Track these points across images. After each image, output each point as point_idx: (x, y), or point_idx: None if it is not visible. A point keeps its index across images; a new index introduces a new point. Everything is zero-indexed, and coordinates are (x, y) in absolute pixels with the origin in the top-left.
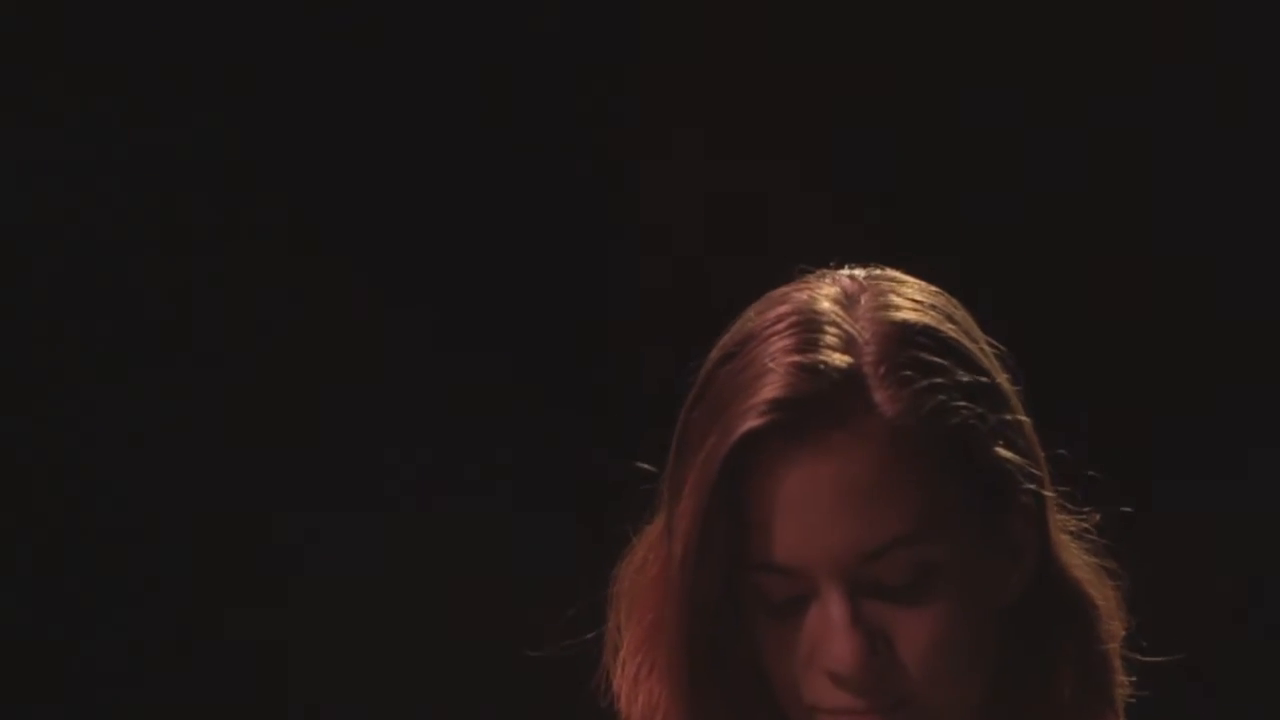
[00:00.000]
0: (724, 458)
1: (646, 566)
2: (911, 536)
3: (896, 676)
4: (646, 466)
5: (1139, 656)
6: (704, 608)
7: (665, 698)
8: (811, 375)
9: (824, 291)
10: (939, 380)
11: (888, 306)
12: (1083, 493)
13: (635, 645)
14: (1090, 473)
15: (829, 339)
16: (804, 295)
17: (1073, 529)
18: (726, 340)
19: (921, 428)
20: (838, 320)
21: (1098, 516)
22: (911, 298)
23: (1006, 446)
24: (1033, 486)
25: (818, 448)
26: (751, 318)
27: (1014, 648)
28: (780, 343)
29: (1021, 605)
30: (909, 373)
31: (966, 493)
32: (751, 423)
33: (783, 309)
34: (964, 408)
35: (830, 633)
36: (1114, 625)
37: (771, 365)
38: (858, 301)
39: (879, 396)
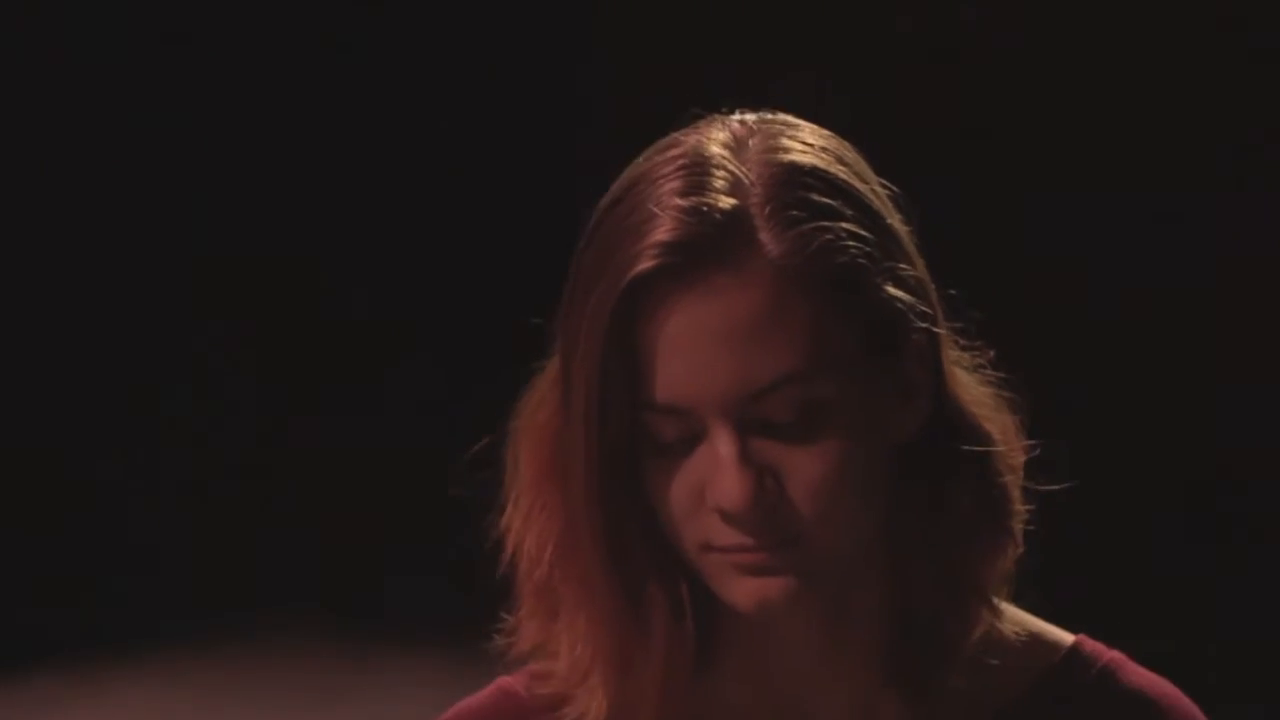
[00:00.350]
0: (615, 303)
1: (542, 406)
2: (798, 374)
3: (786, 514)
4: (537, 320)
5: (1036, 486)
6: (608, 451)
7: (562, 538)
8: (698, 218)
9: (714, 135)
10: (826, 221)
11: (777, 149)
12: (976, 329)
13: (529, 483)
14: (976, 313)
15: (717, 182)
16: (693, 139)
17: (967, 364)
18: (616, 185)
19: (807, 267)
20: (726, 163)
21: (992, 352)
22: (802, 140)
23: (897, 286)
24: (925, 325)
25: (704, 289)
26: (640, 163)
27: (909, 483)
28: (668, 186)
29: (917, 441)
30: (795, 213)
31: (856, 332)
32: (639, 266)
33: (672, 153)
34: (852, 247)
35: (719, 470)
36: (1013, 456)
37: (658, 209)
38: (747, 145)
39: (764, 237)
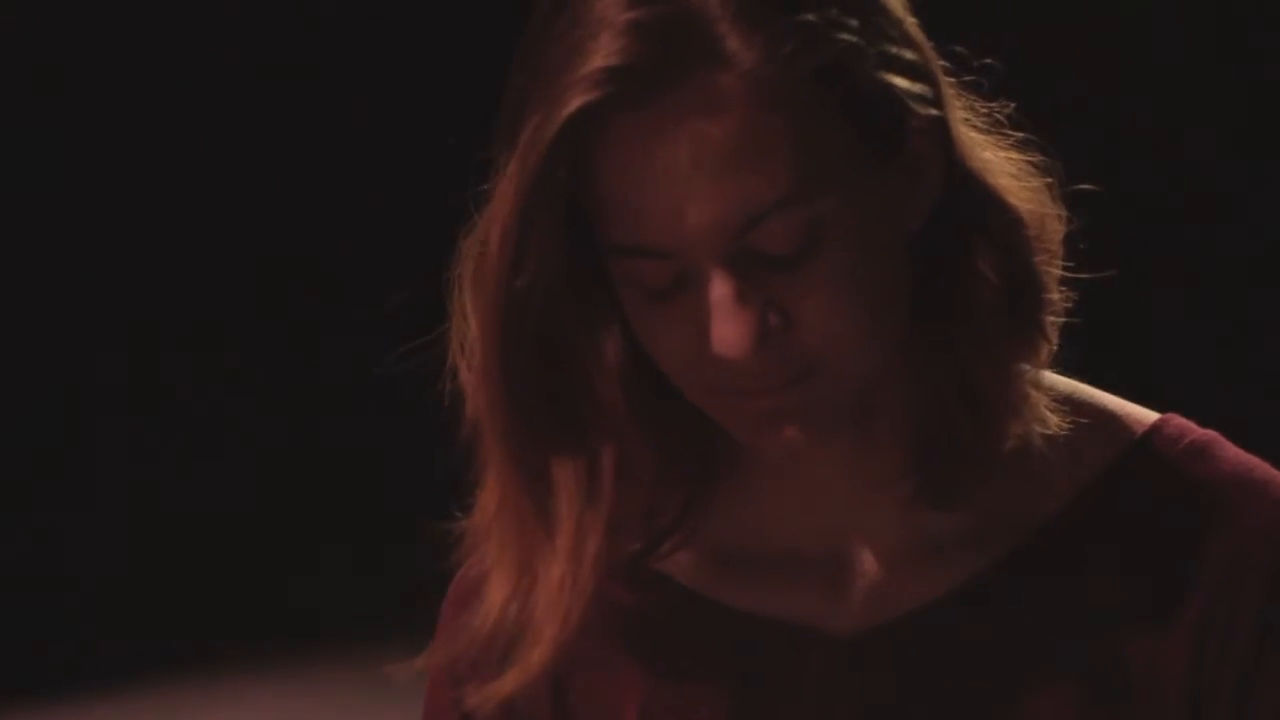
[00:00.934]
0: (551, 140)
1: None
2: (790, 198)
3: (798, 348)
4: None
5: (1073, 274)
6: (525, 307)
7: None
8: (650, 34)
9: None
10: (802, 14)
11: None
12: (993, 82)
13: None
14: (989, 60)
15: None
16: None
17: (983, 125)
18: None
19: (786, 72)
20: None
21: (1012, 105)
22: None
23: (891, 69)
24: (929, 110)
25: (666, 117)
26: None
27: (926, 275)
28: None
29: (932, 226)
30: (763, 10)
31: (849, 132)
32: (582, 98)
33: None
34: (834, 39)
35: (715, 315)
36: (1046, 233)
37: (602, 23)
38: None
39: (732, 45)
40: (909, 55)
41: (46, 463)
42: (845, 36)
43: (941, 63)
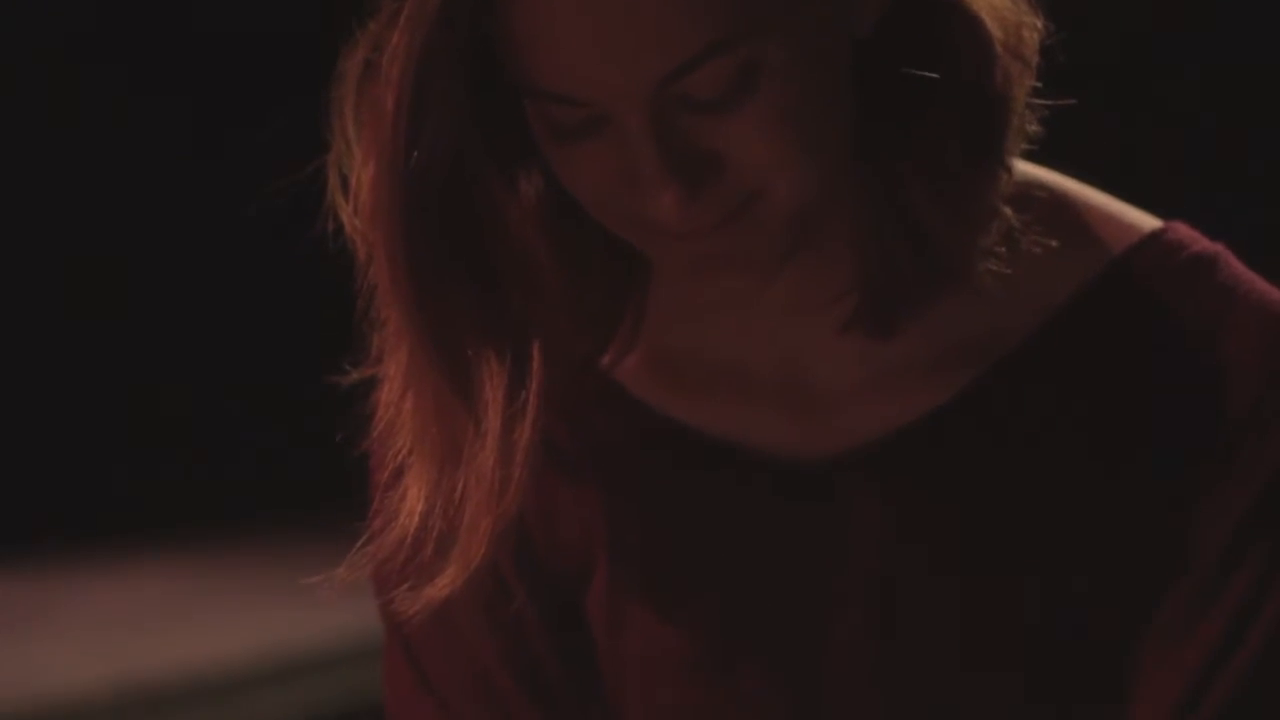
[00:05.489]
0: None
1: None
2: (720, 45)
3: (731, 185)
4: None
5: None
6: (428, 175)
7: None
8: None
9: None
10: None
11: None
12: None
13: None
14: None
15: None
16: None
17: None
18: None
19: None
20: None
21: None
22: None
23: None
24: None
25: None
26: None
27: (876, 91)
28: None
29: (883, 32)
30: None
31: None
32: None
33: None
34: None
35: (639, 176)
36: (1020, 43)
37: None
38: None
39: None
40: None
41: None
42: None
43: None
